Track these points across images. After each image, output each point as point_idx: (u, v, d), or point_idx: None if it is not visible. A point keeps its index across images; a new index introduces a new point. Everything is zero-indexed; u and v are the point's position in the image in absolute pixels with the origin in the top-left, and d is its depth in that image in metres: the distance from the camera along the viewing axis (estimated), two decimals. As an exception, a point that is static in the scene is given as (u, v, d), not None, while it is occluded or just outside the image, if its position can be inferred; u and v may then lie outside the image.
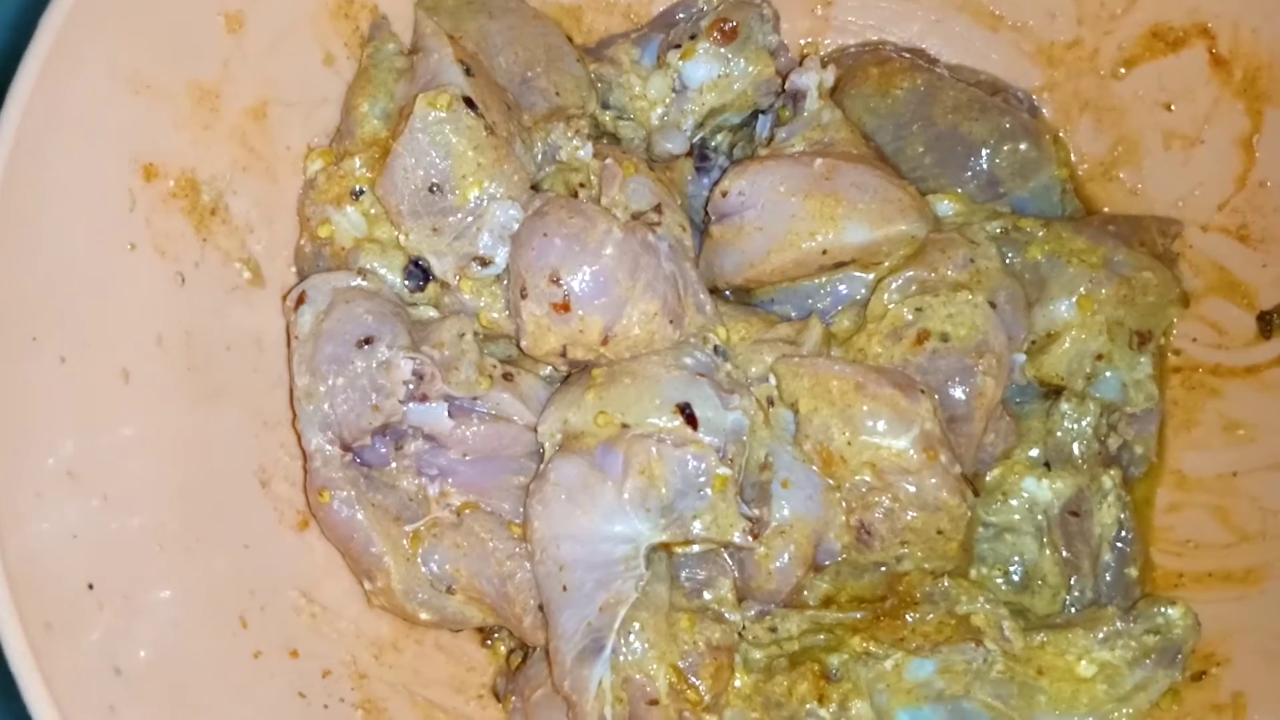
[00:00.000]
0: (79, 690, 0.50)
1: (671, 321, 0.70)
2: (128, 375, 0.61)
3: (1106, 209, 0.84)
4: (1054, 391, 0.76)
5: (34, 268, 0.56)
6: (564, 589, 0.65)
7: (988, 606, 0.67)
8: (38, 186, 0.56)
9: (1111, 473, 0.75)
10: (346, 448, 0.68)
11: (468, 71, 0.71)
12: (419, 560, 0.69)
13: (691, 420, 0.67)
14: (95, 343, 0.59)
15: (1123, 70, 0.82)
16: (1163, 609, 0.69)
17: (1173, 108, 0.81)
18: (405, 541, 0.69)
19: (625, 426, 0.67)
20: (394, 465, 0.70)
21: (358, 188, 0.72)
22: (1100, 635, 0.69)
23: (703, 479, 0.66)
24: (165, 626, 0.58)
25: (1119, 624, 0.69)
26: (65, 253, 0.58)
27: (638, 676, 0.64)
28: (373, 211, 0.72)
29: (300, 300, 0.70)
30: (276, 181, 0.72)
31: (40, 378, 0.55)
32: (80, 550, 0.54)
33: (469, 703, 0.73)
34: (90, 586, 0.54)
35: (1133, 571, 0.75)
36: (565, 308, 0.68)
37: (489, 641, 0.76)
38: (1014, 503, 0.75)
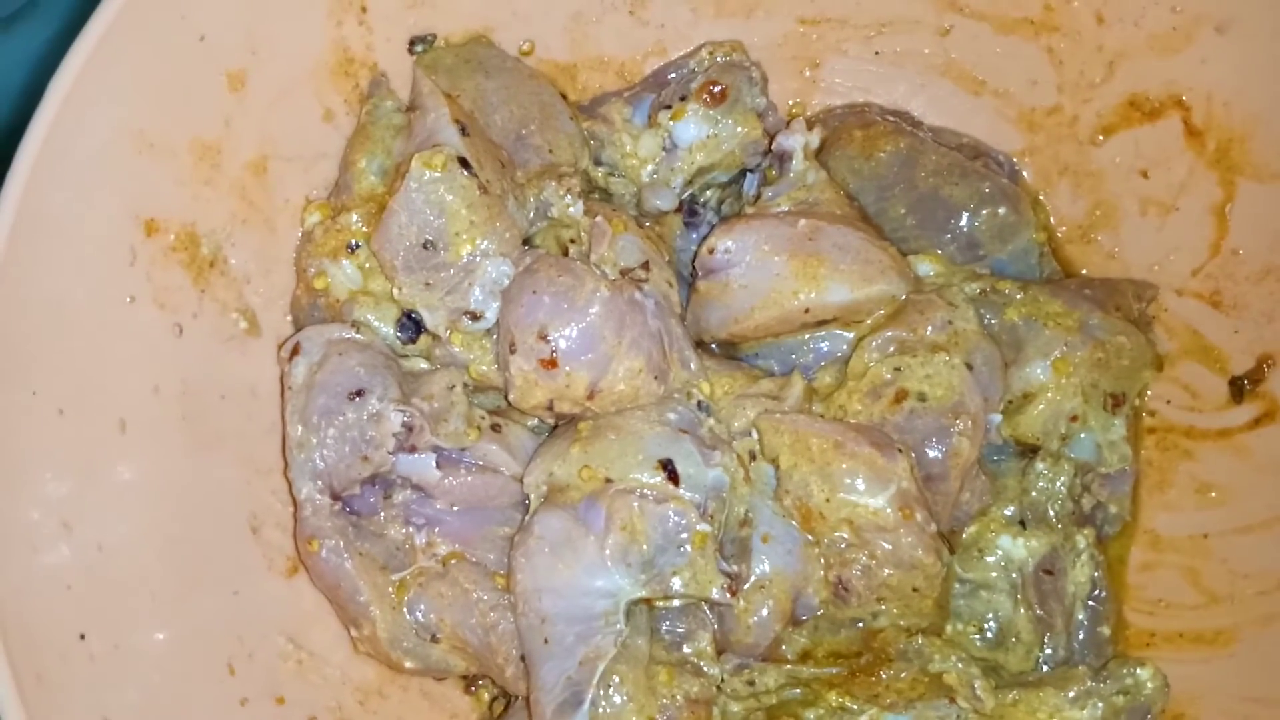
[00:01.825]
0: (68, 740, 0.51)
1: (656, 377, 0.72)
2: (124, 425, 0.63)
3: (1085, 271, 0.86)
4: (1030, 451, 0.78)
5: (36, 322, 0.57)
6: (545, 641, 0.66)
7: (960, 665, 0.69)
8: (42, 244, 0.58)
9: (1085, 532, 0.77)
10: (336, 497, 0.70)
11: (463, 130, 0.73)
12: (404, 609, 0.70)
13: (673, 476, 0.68)
14: (93, 394, 0.61)
15: (1101, 137, 0.84)
16: (1133, 669, 0.71)
17: (1149, 175, 0.83)
18: (391, 590, 0.70)
19: (609, 481, 0.69)
20: (382, 514, 0.71)
21: (354, 241, 0.74)
22: (1071, 694, 0.70)
23: (683, 535, 0.67)
24: (154, 675, 0.59)
25: (1090, 683, 0.70)
26: (66, 307, 0.60)
27: (616, 728, 0.66)
28: (368, 265, 0.74)
29: (295, 351, 0.71)
30: (275, 233, 0.74)
31: (38, 430, 0.57)
32: (74, 600, 0.56)
33: (451, 749, 0.75)
34: (82, 636, 0.55)
35: (1105, 630, 0.77)
36: (552, 364, 0.69)
37: (473, 689, 0.77)
38: (989, 560, 0.76)
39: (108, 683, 0.55)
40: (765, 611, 0.71)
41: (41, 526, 0.55)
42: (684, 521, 0.67)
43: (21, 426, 0.55)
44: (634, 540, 0.67)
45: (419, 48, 0.80)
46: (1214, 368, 0.81)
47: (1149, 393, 0.83)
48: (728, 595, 0.67)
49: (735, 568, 0.69)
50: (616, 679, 0.66)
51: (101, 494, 0.60)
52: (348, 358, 0.71)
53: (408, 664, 0.70)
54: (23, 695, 0.49)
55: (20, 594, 0.52)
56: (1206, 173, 0.80)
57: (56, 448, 0.58)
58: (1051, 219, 0.86)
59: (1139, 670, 0.70)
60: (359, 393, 0.69)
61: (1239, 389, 0.80)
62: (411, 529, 0.71)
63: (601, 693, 0.65)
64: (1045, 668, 0.75)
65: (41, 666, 0.51)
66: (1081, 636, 0.76)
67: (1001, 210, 0.81)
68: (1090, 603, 0.77)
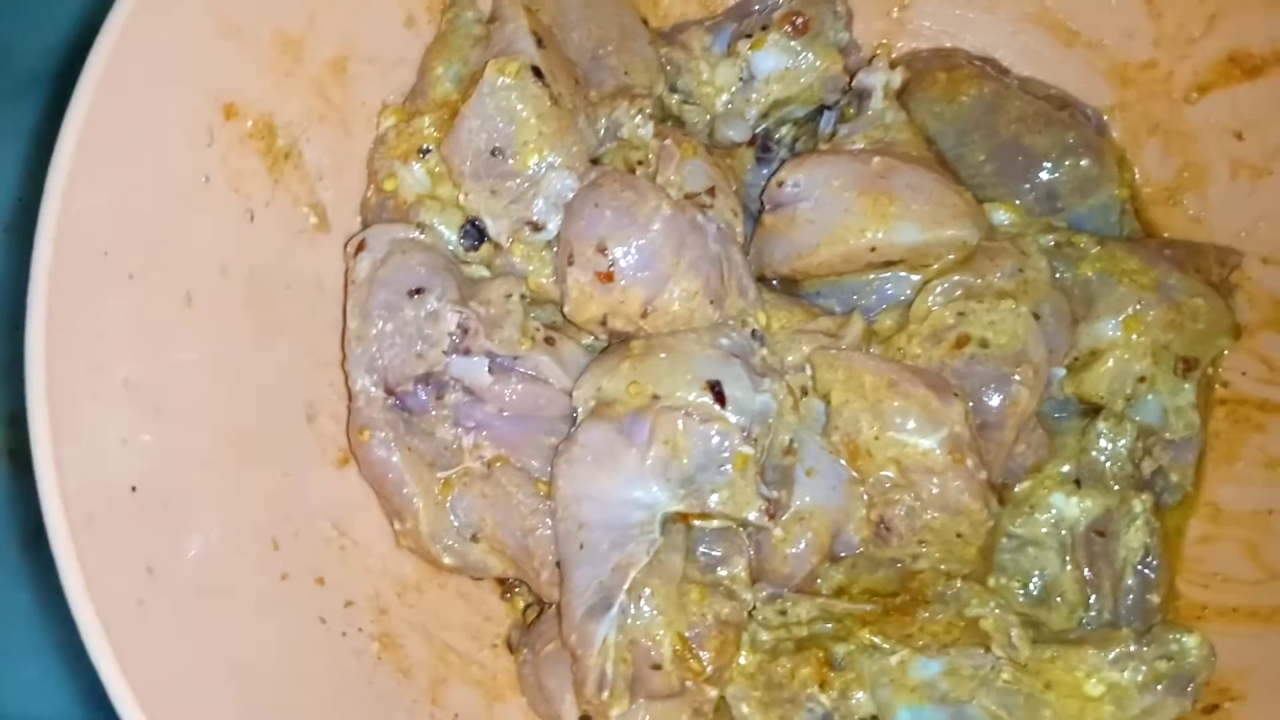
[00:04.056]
0: (112, 581, 0.53)
1: (712, 301, 0.71)
2: (190, 299, 0.65)
3: (1166, 234, 0.83)
4: (1092, 410, 0.76)
5: (112, 187, 0.59)
6: (581, 547, 0.67)
7: (998, 612, 0.68)
8: (123, 113, 0.60)
9: (1143, 497, 0.75)
10: (390, 391, 0.71)
11: (539, 43, 0.73)
12: (447, 506, 0.71)
13: (720, 398, 0.68)
14: (163, 265, 0.63)
15: (1196, 95, 0.81)
16: (1179, 636, 0.68)
17: (1244, 137, 0.80)
18: (436, 487, 0.71)
19: (656, 398, 0.69)
20: (433, 413, 0.72)
21: (425, 146, 0.75)
22: (1112, 656, 0.68)
23: (725, 455, 0.67)
24: (199, 537, 0.61)
25: (1132, 646, 0.68)
26: (143, 178, 0.61)
27: (644, 641, 0.66)
28: (437, 170, 0.75)
29: (360, 247, 0.73)
30: (349, 134, 0.75)
31: (108, 290, 0.59)
32: (128, 455, 0.58)
33: (482, 650, 0.76)
34: (133, 489, 0.57)
35: (1155, 598, 0.75)
36: (609, 278, 0.70)
37: (508, 595, 0.79)
38: (1040, 517, 0.75)
39: (154, 535, 0.57)
40: (803, 544, 0.71)
41: (103, 380, 0.57)
42: (727, 443, 0.67)
43: (91, 284, 0.57)
44: (675, 455, 0.67)
45: (504, -39, 0.80)
46: (1296, 341, 0.78)
47: (1224, 363, 0.80)
48: (765, 518, 0.67)
49: (775, 493, 0.69)
50: (648, 591, 0.66)
51: (163, 360, 0.62)
52: (410, 256, 0.72)
53: (446, 560, 0.71)
54: (73, 531, 0.51)
55: (78, 438, 0.54)
56: (1306, 135, 0.77)
57: (124, 310, 0.60)
58: (1137, 178, 0.84)
59: (1185, 637, 0.68)
60: (419, 291, 0.70)
61: (1320, 363, 0.77)
62: (460, 430, 0.72)
63: (633, 604, 0.66)
64: (1088, 629, 0.73)
65: (94, 508, 0.53)
66: (1129, 602, 0.74)
67: (1084, 163, 0.79)
68: (1141, 569, 0.75)
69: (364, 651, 0.69)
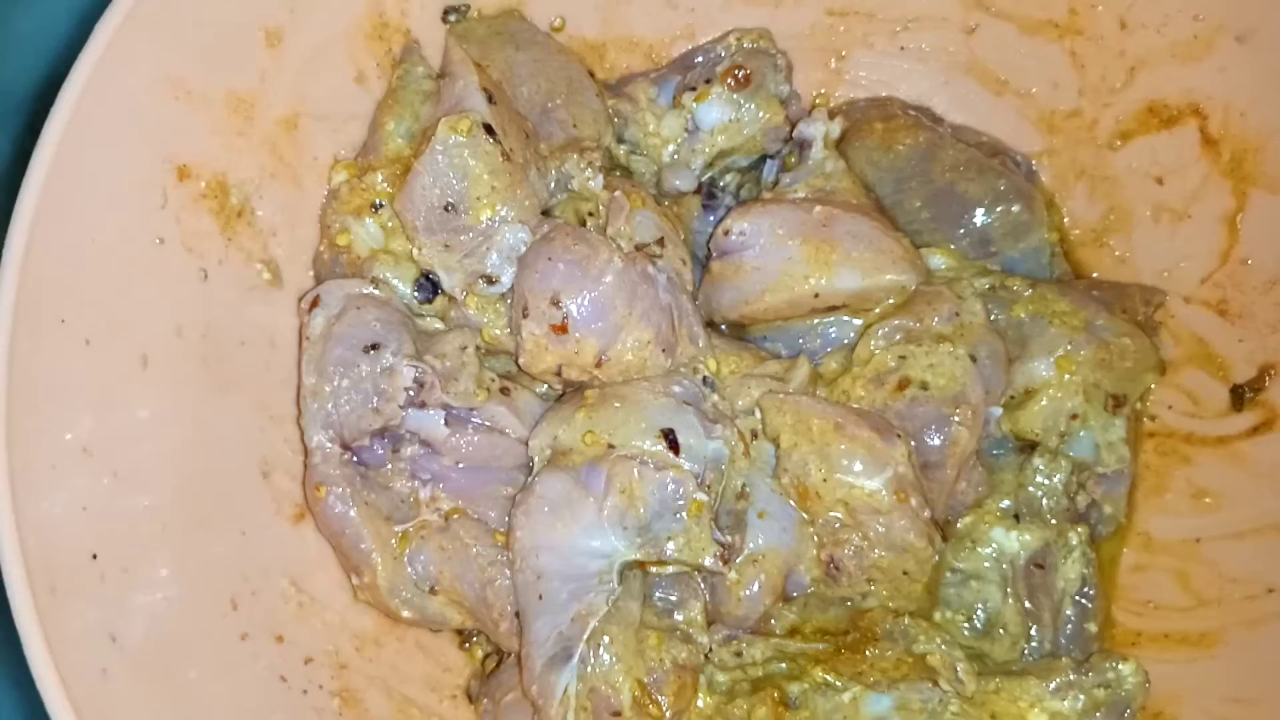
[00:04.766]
0: (76, 652, 0.53)
1: (664, 350, 0.73)
2: (146, 361, 0.65)
3: (1095, 274, 0.87)
4: (1029, 446, 0.79)
5: (69, 254, 0.60)
6: (540, 597, 0.68)
7: (944, 647, 0.70)
8: (78, 179, 0.60)
9: (1079, 529, 0.78)
10: (346, 446, 0.72)
11: (490, 99, 0.74)
12: (405, 560, 0.72)
13: (674, 445, 0.70)
14: (119, 329, 0.63)
15: (1119, 142, 0.85)
16: (1115, 664, 0.71)
17: (1164, 182, 0.84)
18: (394, 541, 0.72)
19: (611, 447, 0.70)
20: (389, 467, 0.73)
21: (378, 201, 0.76)
22: (1053, 685, 0.71)
23: (680, 502, 0.69)
24: (160, 601, 0.61)
25: (1072, 675, 0.71)
26: (98, 242, 0.62)
27: (603, 688, 0.67)
28: (390, 224, 0.76)
29: (314, 303, 0.73)
30: (302, 190, 0.76)
31: (65, 357, 0.59)
32: (88, 522, 0.58)
33: (443, 701, 0.76)
34: (94, 557, 0.57)
35: (1092, 627, 0.77)
36: (563, 329, 0.71)
37: (467, 645, 0.79)
38: (982, 551, 0.77)
39: (115, 602, 0.57)
40: (756, 586, 0.72)
41: (62, 448, 0.57)
42: (681, 490, 0.69)
43: (49, 352, 0.58)
44: (632, 504, 0.68)
45: (452, 17, 0.81)
46: (1217, 375, 0.82)
47: (1151, 398, 0.83)
48: (720, 564, 0.68)
49: (729, 538, 0.70)
50: (607, 639, 0.67)
51: (120, 425, 0.62)
52: (365, 312, 0.72)
53: (405, 613, 0.72)
54: (36, 603, 0.51)
55: (39, 509, 0.54)
56: (1220, 182, 0.81)
57: (81, 376, 0.60)
58: (1066, 221, 0.87)
59: (1121, 665, 0.71)
60: (374, 346, 0.71)
61: (1240, 397, 0.81)
62: (417, 483, 0.73)
63: (592, 652, 0.67)
64: (1030, 660, 0.76)
65: (55, 580, 0.54)
66: (1068, 631, 0.77)
67: (1015, 208, 0.82)
68: (1079, 599, 0.77)
69: (325, 708, 0.69)
